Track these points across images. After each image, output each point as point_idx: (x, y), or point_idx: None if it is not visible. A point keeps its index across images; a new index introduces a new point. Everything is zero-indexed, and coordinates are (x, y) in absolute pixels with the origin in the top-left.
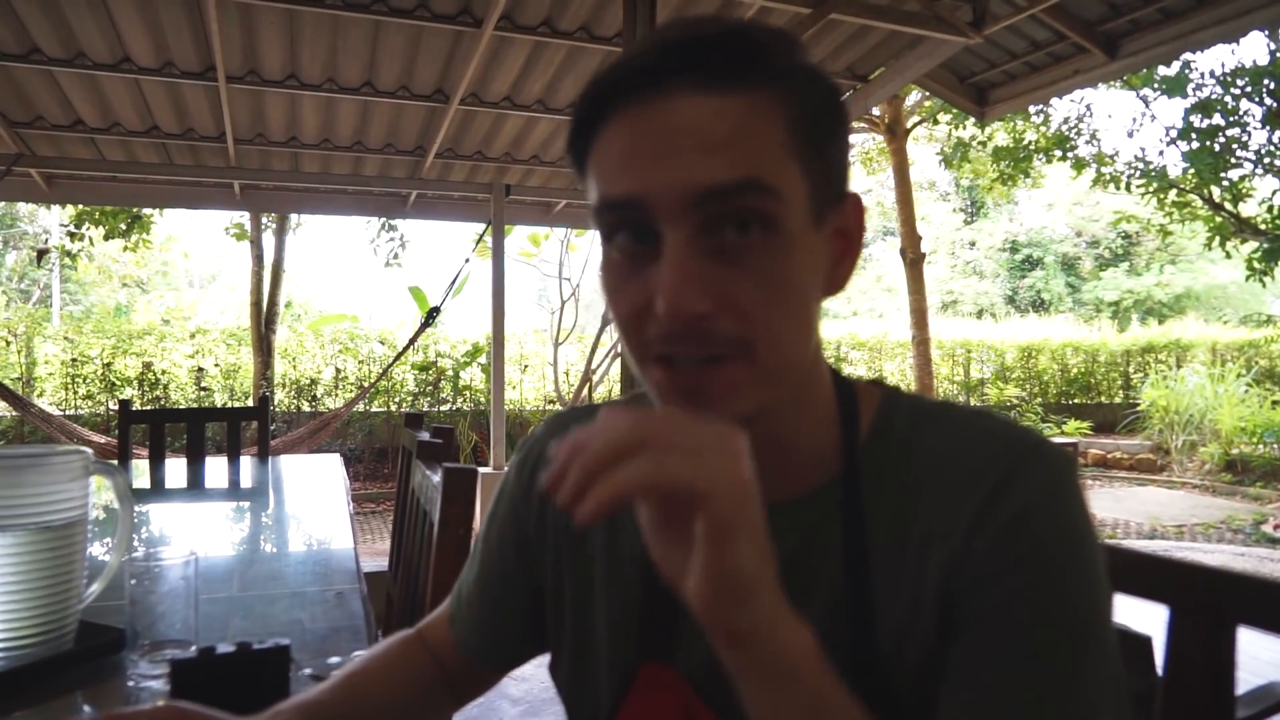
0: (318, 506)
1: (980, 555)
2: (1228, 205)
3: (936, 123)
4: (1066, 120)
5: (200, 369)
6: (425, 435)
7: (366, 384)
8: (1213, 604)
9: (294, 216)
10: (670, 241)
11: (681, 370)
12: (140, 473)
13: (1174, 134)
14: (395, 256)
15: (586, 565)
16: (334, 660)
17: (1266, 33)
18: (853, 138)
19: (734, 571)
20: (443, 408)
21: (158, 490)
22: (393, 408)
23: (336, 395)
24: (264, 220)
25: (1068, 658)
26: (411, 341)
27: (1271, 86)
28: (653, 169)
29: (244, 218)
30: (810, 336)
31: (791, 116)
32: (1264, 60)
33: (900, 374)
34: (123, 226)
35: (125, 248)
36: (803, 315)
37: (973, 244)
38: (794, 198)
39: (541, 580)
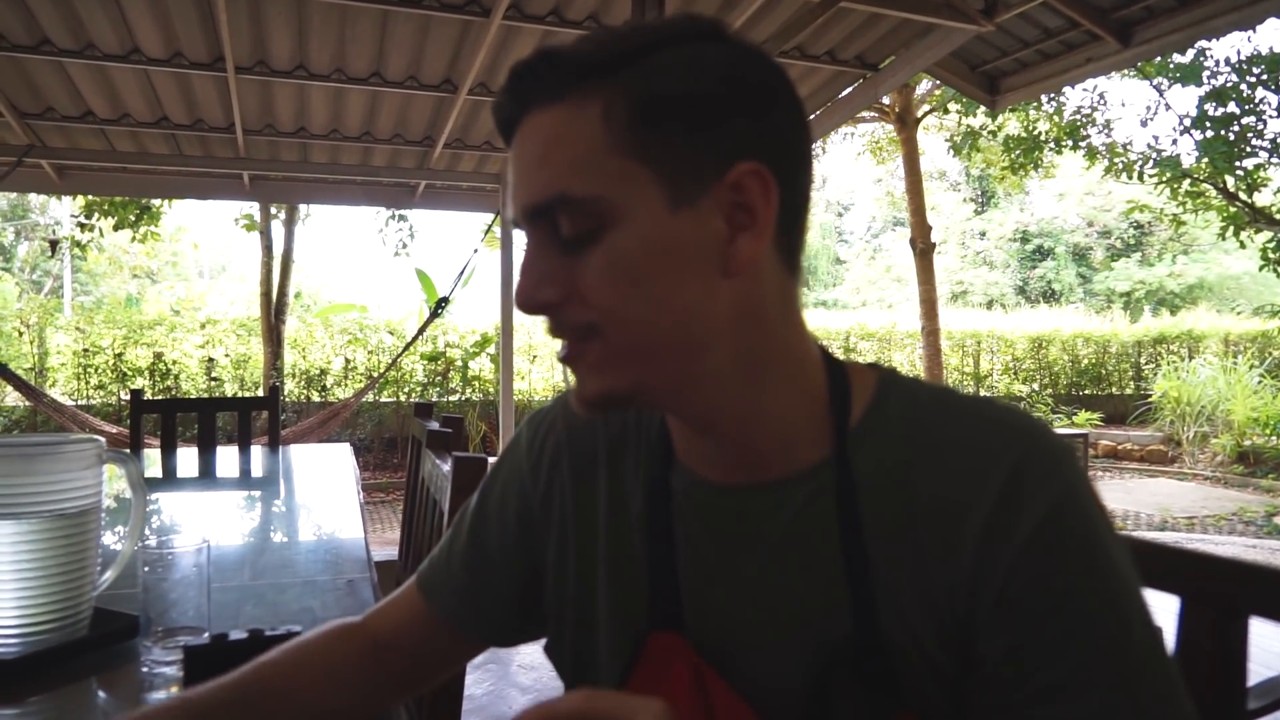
0: (328, 496)
1: (1004, 564)
2: (1242, 195)
3: (946, 112)
4: (1079, 110)
5: (211, 359)
6: (435, 425)
7: (376, 374)
8: (1224, 594)
9: (303, 207)
10: (525, 247)
11: (564, 348)
12: (152, 462)
13: (1188, 122)
14: (404, 246)
15: (591, 537)
16: None
17: None
18: (863, 127)
19: None
20: (452, 398)
21: (169, 479)
22: (402, 398)
23: (346, 385)
24: (273, 211)
25: (1111, 666)
26: (420, 332)
27: None
28: (514, 195)
29: (253, 208)
30: (681, 316)
31: (617, 109)
32: None
33: (910, 364)
34: (132, 218)
35: (134, 239)
36: (655, 296)
37: (983, 234)
38: (626, 191)
39: (541, 555)
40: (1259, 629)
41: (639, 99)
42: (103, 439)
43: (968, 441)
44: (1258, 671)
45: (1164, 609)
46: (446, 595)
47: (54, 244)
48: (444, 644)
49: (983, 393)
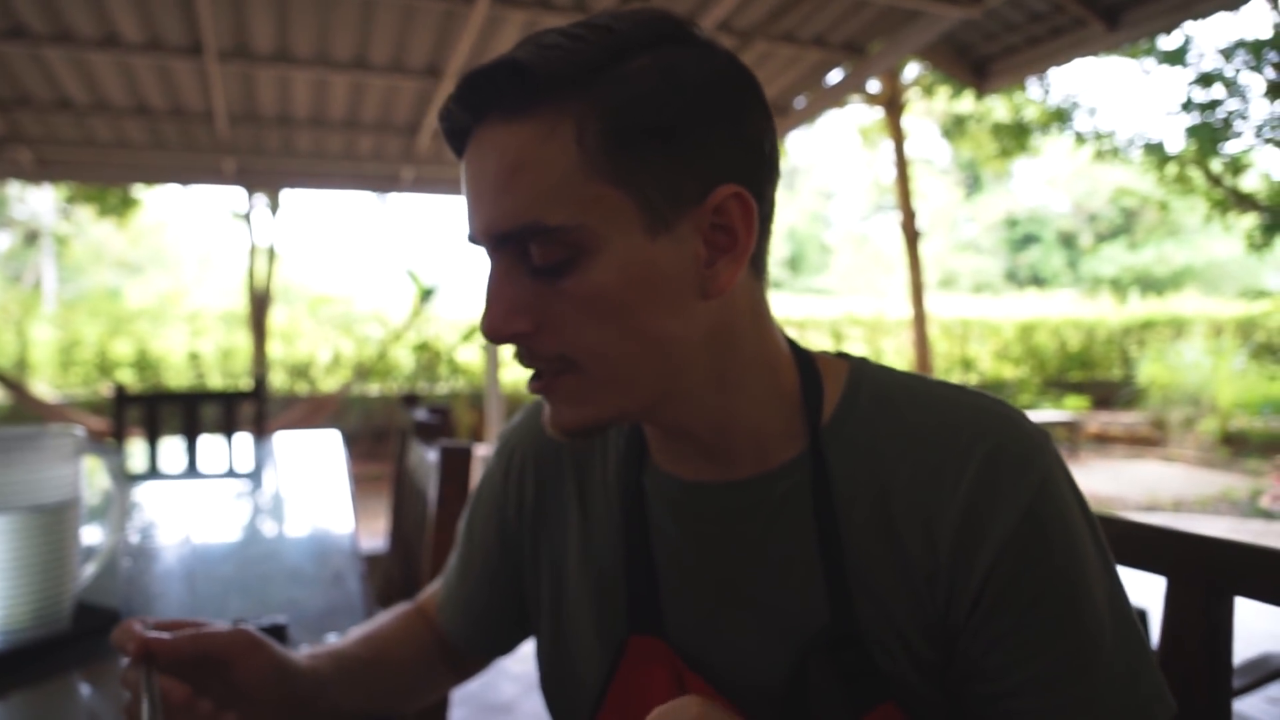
0: (317, 485)
1: (982, 563)
2: (1226, 179)
3: (933, 96)
4: (1066, 96)
5: (195, 351)
6: (422, 414)
7: (363, 365)
8: (1210, 574)
9: (283, 196)
10: (490, 271)
11: (535, 379)
12: (137, 455)
13: (1174, 108)
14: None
15: (563, 544)
16: (331, 637)
17: (1269, 3)
18: (849, 111)
19: None
20: (440, 388)
21: (154, 472)
22: (389, 389)
23: (333, 376)
24: (258, 200)
25: (1082, 665)
26: (408, 323)
27: (1273, 58)
28: (473, 213)
29: (240, 201)
30: (658, 346)
31: (591, 131)
32: (1265, 32)
33: (898, 351)
34: (114, 203)
35: (116, 225)
36: (633, 329)
37: (971, 220)
38: (603, 219)
39: (523, 567)
40: (1244, 608)
41: (615, 119)
42: (82, 430)
43: (940, 431)
44: (1243, 651)
45: (1150, 589)
46: (453, 616)
47: (33, 235)
48: (461, 651)
49: (971, 379)
